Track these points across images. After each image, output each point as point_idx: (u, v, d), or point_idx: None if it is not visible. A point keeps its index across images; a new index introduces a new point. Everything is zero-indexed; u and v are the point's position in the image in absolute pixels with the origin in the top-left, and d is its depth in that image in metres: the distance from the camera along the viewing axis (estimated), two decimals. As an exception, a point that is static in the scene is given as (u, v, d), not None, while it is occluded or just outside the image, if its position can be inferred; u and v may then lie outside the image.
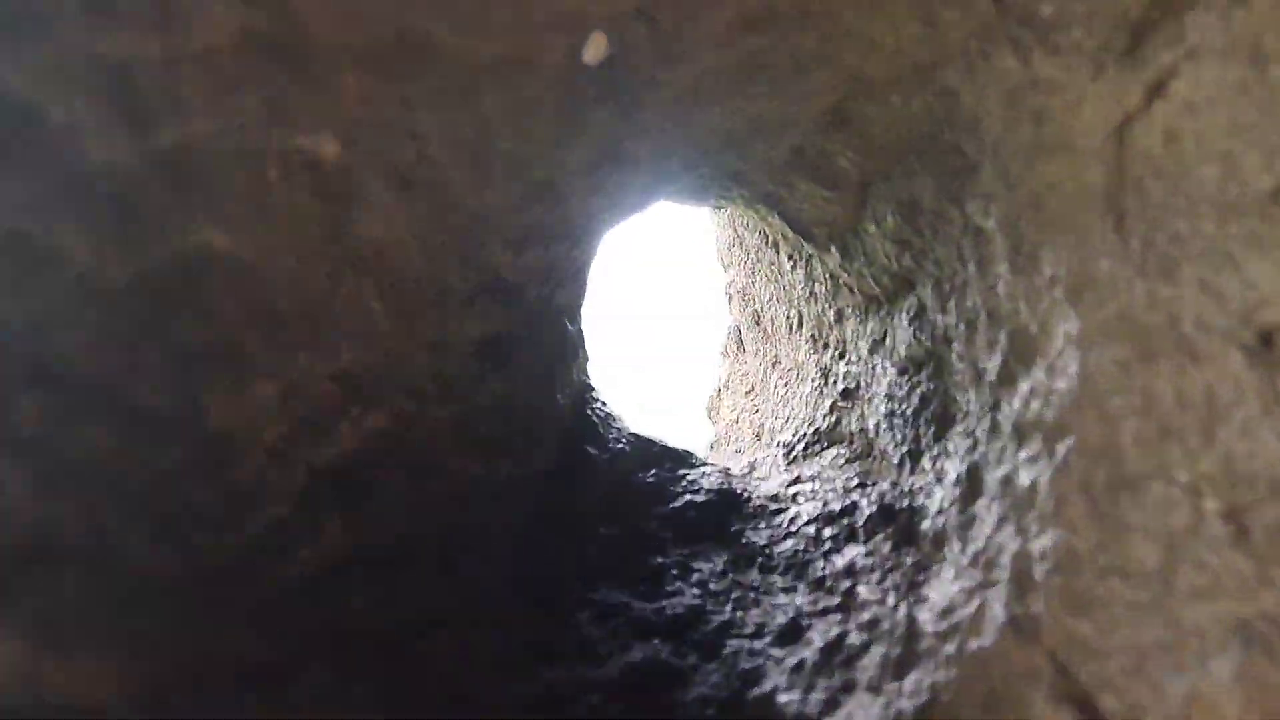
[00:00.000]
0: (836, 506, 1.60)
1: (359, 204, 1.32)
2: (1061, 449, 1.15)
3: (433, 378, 1.61)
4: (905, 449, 1.59)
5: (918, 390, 1.60)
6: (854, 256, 1.83)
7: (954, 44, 1.23)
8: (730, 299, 2.81)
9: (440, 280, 1.61)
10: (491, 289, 1.76)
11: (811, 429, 1.99)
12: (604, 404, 2.03)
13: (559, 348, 1.92)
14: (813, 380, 2.10)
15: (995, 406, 1.34)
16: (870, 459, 1.75)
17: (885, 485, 1.59)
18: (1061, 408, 1.16)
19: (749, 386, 2.71)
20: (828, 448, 1.93)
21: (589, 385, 2.06)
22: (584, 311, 2.07)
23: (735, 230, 2.57)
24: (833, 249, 1.89)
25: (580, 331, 2.04)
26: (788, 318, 2.32)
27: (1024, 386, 1.25)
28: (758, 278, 2.50)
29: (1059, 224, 1.17)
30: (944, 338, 1.50)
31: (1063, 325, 1.17)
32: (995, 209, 1.28)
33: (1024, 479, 1.22)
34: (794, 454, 1.99)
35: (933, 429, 1.52)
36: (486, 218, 1.69)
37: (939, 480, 1.46)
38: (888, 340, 1.75)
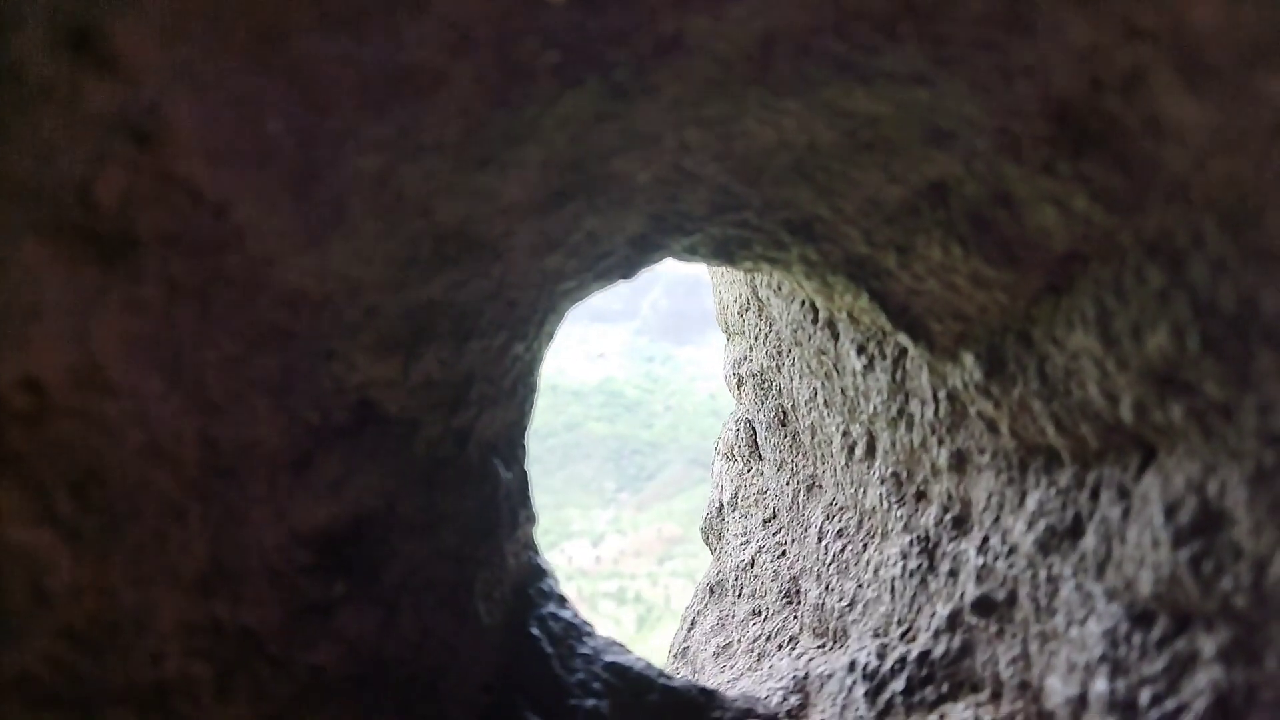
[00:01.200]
0: None
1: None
2: None
3: (204, 650, 0.74)
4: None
5: (1206, 671, 0.80)
6: (1013, 379, 1.03)
7: None
8: (740, 382, 1.99)
9: (211, 436, 0.74)
10: (346, 432, 0.90)
11: (914, 650, 1.18)
12: (561, 604, 1.17)
13: (484, 517, 1.07)
14: (903, 553, 1.29)
15: None
16: (1061, 764, 0.94)
17: None
18: None
19: (768, 512, 1.89)
20: (948, 698, 1.12)
21: (535, 568, 1.20)
22: (526, 441, 1.22)
23: (754, 291, 1.76)
24: (967, 359, 1.10)
25: (522, 476, 1.19)
26: (844, 433, 1.51)
27: None
28: (789, 363, 1.69)
29: None
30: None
31: None
32: None
33: None
34: (889, 696, 1.17)
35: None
36: (331, 302, 0.83)
37: None
38: (1089, 542, 0.95)
